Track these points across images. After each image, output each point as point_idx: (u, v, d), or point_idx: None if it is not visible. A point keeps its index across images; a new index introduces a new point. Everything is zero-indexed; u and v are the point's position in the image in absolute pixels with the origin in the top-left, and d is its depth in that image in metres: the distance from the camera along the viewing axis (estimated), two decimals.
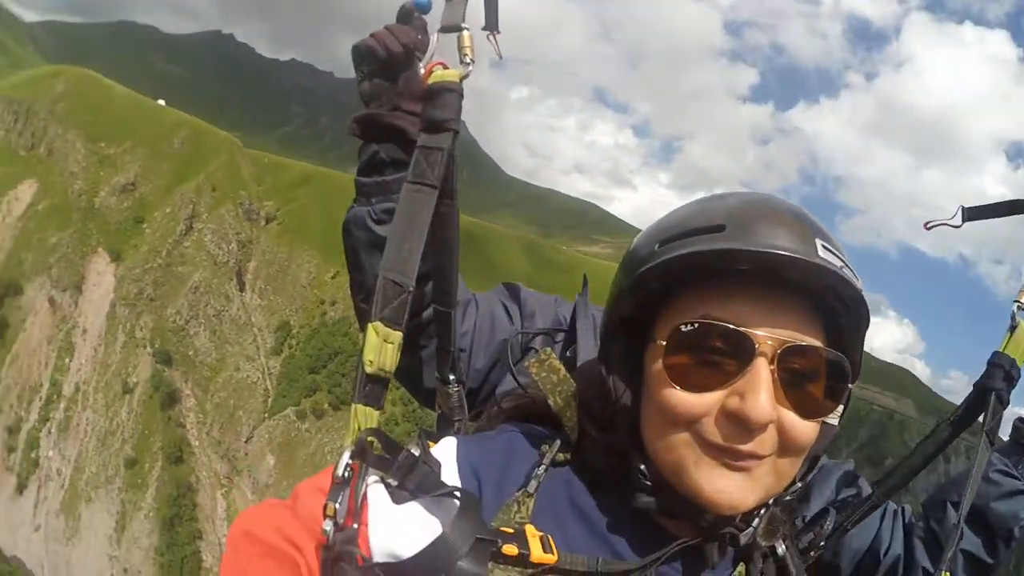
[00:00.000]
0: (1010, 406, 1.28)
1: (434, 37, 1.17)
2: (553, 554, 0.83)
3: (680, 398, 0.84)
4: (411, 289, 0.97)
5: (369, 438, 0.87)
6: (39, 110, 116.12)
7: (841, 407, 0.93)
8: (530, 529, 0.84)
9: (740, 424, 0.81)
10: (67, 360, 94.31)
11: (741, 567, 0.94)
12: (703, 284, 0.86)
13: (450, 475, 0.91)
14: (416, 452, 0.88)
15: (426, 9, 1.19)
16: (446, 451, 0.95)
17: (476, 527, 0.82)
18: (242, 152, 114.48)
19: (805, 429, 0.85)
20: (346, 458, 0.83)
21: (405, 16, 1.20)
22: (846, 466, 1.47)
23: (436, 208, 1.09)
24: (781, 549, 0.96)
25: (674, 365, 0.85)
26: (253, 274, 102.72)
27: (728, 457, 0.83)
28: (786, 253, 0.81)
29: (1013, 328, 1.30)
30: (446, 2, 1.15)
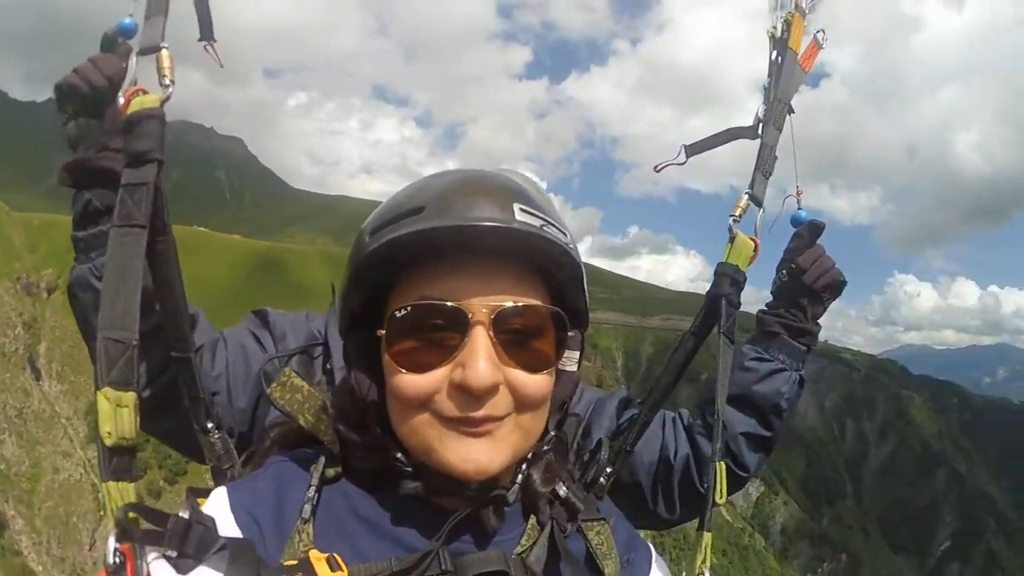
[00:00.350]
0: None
1: (133, 61, 1.10)
2: (343, 571, 0.82)
3: (409, 380, 0.86)
4: (135, 344, 0.92)
5: (130, 515, 0.82)
6: None
7: (576, 353, 0.99)
8: (314, 554, 0.83)
9: (467, 393, 0.83)
10: None
11: (532, 519, 0.96)
12: (418, 267, 0.88)
13: (227, 527, 0.87)
14: (186, 515, 0.84)
15: (131, 33, 1.12)
16: (218, 504, 0.91)
17: (254, 570, 0.80)
18: (9, 217, 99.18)
19: (536, 383, 0.88)
20: (112, 544, 0.78)
21: (109, 43, 1.14)
22: (620, 394, 1.63)
23: (151, 248, 1.04)
24: (563, 491, 0.98)
25: (398, 350, 0.87)
26: (46, 357, 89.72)
27: (466, 426, 0.85)
28: (481, 223, 0.83)
29: (732, 239, 1.49)
30: (144, 22, 1.09)
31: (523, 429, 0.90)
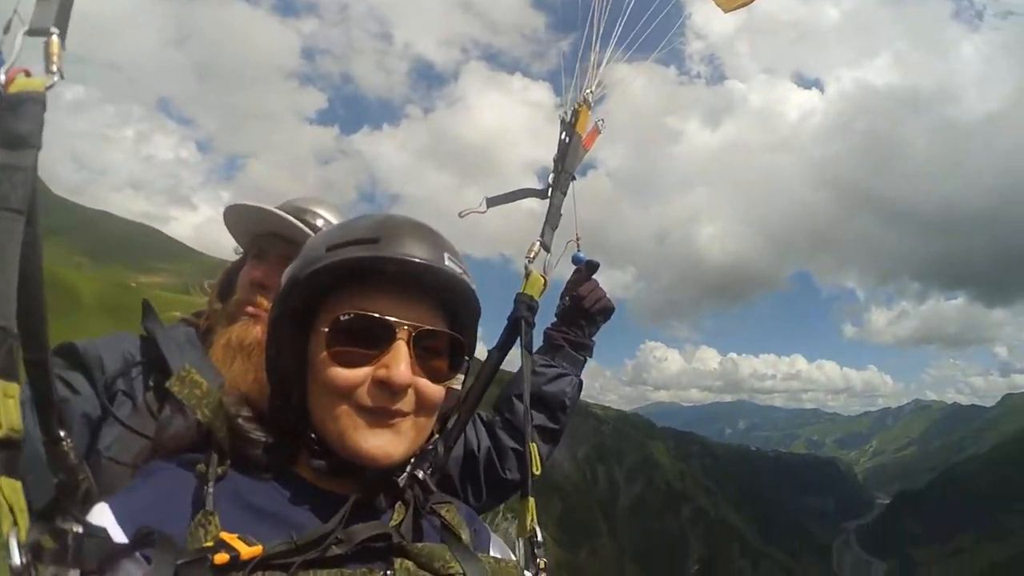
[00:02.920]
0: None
1: (18, 39, 0.99)
2: (258, 546, 0.90)
3: (339, 373, 1.03)
4: (15, 332, 0.84)
5: (43, 539, 0.81)
6: None
7: (462, 376, 1.21)
8: (227, 535, 0.90)
9: (386, 388, 1.03)
10: None
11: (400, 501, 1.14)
12: (357, 283, 1.08)
13: (118, 536, 0.89)
14: (79, 529, 0.83)
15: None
16: (102, 517, 0.92)
17: (174, 556, 0.85)
18: None
19: (436, 391, 1.11)
20: (17, 559, 0.75)
21: None
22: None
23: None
24: (421, 475, 1.16)
25: (334, 347, 1.05)
26: None
27: (379, 416, 1.04)
28: (421, 261, 1.07)
29: (527, 275, 1.91)
30: (37, 1, 1.02)
31: (419, 428, 1.11)
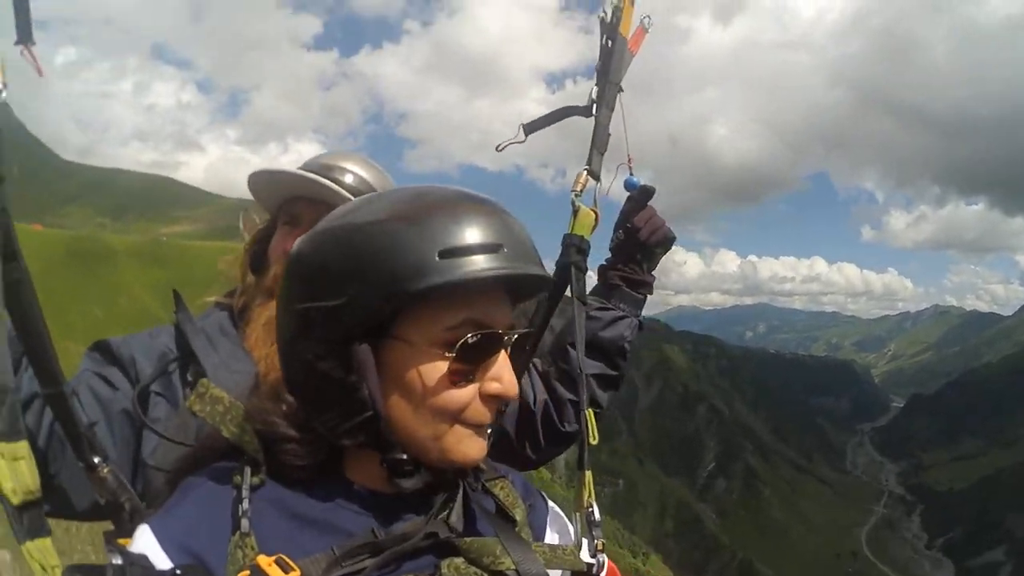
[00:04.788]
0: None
1: None
2: (295, 570, 0.83)
3: (453, 395, 0.91)
4: (12, 386, 0.83)
5: None
6: None
7: None
8: (262, 559, 0.83)
9: (500, 401, 0.94)
10: None
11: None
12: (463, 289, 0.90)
13: (161, 561, 0.85)
14: (119, 560, 0.82)
15: None
16: (145, 541, 0.87)
17: None
18: None
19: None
20: None
21: None
22: None
23: (6, 278, 0.93)
24: None
25: (446, 366, 0.90)
26: None
27: (483, 430, 0.95)
28: (536, 273, 0.93)
29: (575, 212, 1.62)
30: None
31: None
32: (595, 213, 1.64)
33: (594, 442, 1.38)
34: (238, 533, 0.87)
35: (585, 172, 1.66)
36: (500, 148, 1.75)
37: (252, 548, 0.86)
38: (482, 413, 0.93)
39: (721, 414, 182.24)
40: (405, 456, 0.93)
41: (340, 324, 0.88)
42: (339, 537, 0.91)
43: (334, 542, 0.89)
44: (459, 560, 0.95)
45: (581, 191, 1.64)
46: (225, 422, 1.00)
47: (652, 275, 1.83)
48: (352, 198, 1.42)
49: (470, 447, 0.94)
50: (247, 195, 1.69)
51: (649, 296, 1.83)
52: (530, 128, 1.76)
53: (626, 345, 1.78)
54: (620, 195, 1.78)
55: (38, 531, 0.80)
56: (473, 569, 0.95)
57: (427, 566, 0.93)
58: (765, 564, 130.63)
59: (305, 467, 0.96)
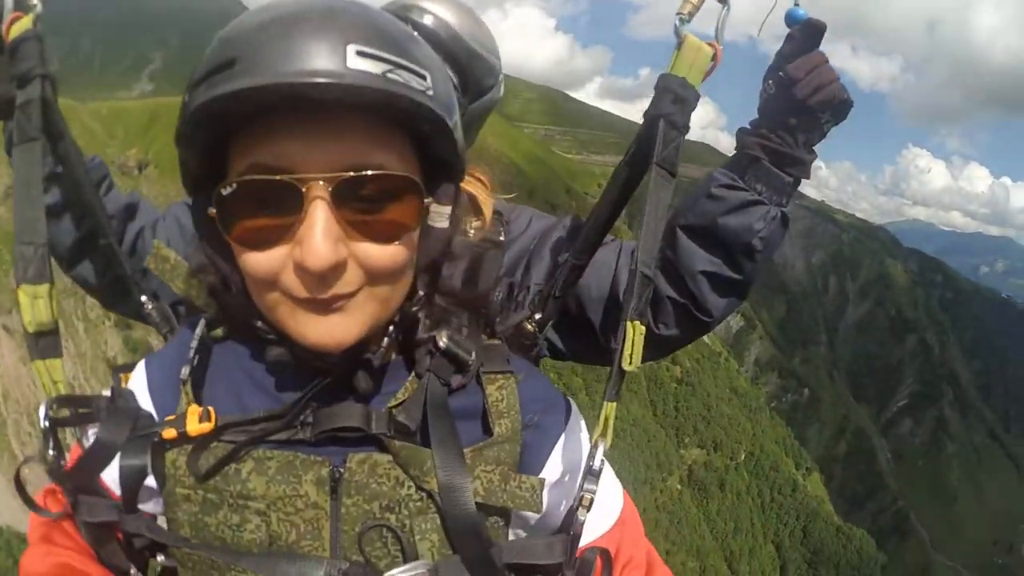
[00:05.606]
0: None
1: None
2: (211, 422, 0.86)
3: (251, 259, 0.79)
4: (44, 243, 1.02)
5: (60, 411, 0.93)
6: None
7: (447, 208, 0.88)
8: (192, 409, 0.87)
9: (305, 273, 0.77)
10: None
11: (412, 374, 0.93)
12: (250, 123, 0.76)
13: (144, 399, 0.95)
14: (108, 393, 0.94)
15: None
16: (137, 379, 0.98)
17: (130, 427, 0.89)
18: (82, 110, 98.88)
19: (389, 254, 0.80)
20: (43, 411, 0.92)
21: None
22: (567, 222, 1.44)
23: (55, 153, 1.18)
24: (443, 342, 0.93)
25: (235, 229, 0.79)
26: None
27: (315, 306, 0.79)
28: (299, 80, 0.69)
29: (679, 44, 1.13)
30: None
31: (379, 299, 0.83)
32: (713, 48, 1.14)
33: (629, 367, 0.97)
34: (180, 381, 0.91)
35: None
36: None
37: (188, 394, 0.90)
38: (294, 284, 0.78)
39: (930, 351, 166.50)
40: (261, 323, 0.87)
41: (186, 173, 0.84)
42: (276, 403, 0.90)
43: (271, 406, 0.89)
44: (380, 458, 0.87)
45: (690, 15, 1.16)
46: (175, 278, 1.03)
47: (811, 152, 1.30)
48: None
49: (306, 326, 0.80)
50: None
51: (804, 181, 1.31)
52: None
53: (756, 241, 1.28)
54: (777, 36, 1.26)
55: (49, 354, 0.99)
56: (395, 473, 0.87)
57: (336, 458, 0.87)
58: (922, 522, 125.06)
59: (252, 326, 0.89)
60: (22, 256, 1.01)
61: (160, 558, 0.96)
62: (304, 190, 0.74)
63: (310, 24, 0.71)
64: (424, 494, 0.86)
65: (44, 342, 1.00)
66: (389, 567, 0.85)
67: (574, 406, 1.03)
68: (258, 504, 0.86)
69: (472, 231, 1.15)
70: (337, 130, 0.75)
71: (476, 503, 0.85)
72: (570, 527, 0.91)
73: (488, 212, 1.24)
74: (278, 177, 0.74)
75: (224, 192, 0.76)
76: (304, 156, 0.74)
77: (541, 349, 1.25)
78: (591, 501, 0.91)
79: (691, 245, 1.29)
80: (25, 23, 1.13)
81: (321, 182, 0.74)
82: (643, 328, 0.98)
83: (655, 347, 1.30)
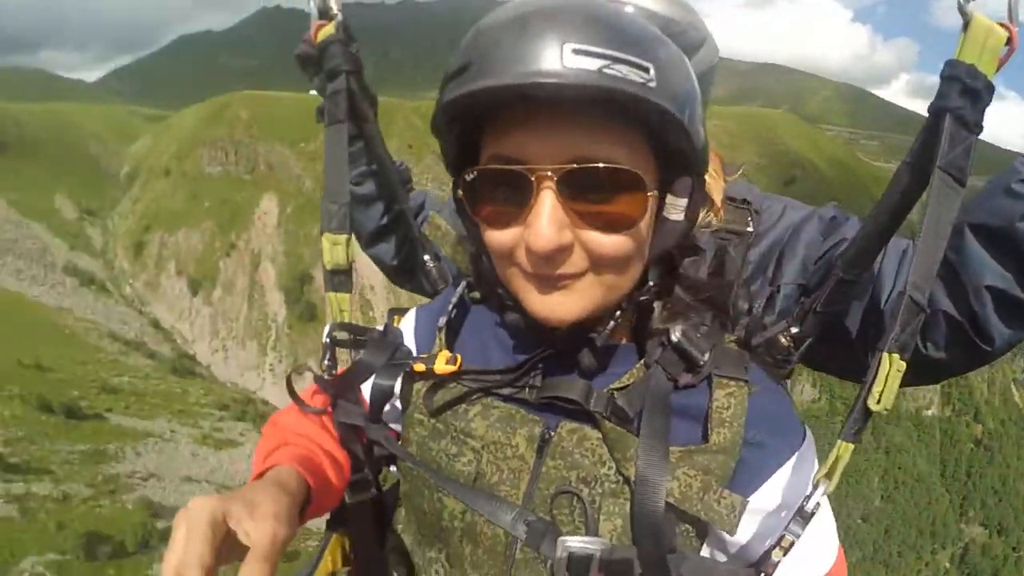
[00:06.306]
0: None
1: (312, 7, 1.37)
2: (455, 366, 0.98)
3: (492, 236, 0.88)
4: (346, 202, 1.22)
5: (340, 334, 1.13)
6: (239, 138, 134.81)
7: (683, 200, 0.87)
8: (443, 353, 1.00)
9: (531, 255, 0.83)
10: (369, 313, 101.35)
11: (640, 362, 0.95)
12: (495, 118, 0.84)
13: (408, 338, 1.11)
14: (380, 328, 1.12)
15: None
16: (407, 322, 1.16)
17: (389, 355, 1.05)
18: (404, 107, 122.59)
19: (612, 243, 0.83)
20: (327, 331, 1.13)
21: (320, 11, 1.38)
22: (825, 213, 1.31)
23: (362, 133, 1.45)
24: (676, 336, 0.92)
25: (478, 209, 0.88)
26: None
27: (541, 282, 0.86)
28: (520, 81, 0.74)
29: (966, 25, 0.92)
30: None
31: (605, 285, 0.87)
32: (1008, 29, 0.92)
33: (876, 407, 0.85)
34: (437, 328, 1.06)
35: None
36: None
37: (440, 342, 1.03)
38: (525, 261, 0.85)
39: None
40: (501, 291, 0.96)
41: (446, 154, 0.92)
42: (510, 362, 0.98)
43: (507, 364, 0.98)
44: (590, 432, 0.91)
45: None
46: (444, 243, 1.23)
47: None
48: None
49: (532, 299, 0.87)
50: None
51: None
52: None
53: None
54: None
55: (341, 288, 1.19)
56: (600, 451, 0.90)
57: (549, 423, 0.93)
58: None
59: (496, 293, 0.98)
60: (327, 211, 1.21)
61: (392, 469, 1.15)
62: (533, 179, 0.80)
63: (532, 27, 0.75)
64: (621, 478, 0.88)
65: (337, 279, 1.19)
66: (571, 534, 0.87)
67: (810, 437, 0.96)
68: (475, 443, 0.95)
69: (714, 221, 1.20)
70: (564, 124, 0.79)
71: (668, 503, 0.85)
72: (761, 566, 0.88)
73: (717, 198, 1.23)
74: (511, 167, 0.81)
75: (468, 178, 0.86)
76: (535, 148, 0.80)
77: (791, 367, 1.10)
78: (791, 544, 0.86)
79: (979, 251, 1.05)
80: (329, 29, 1.35)
81: (549, 172, 0.79)
82: (903, 365, 0.85)
83: (918, 370, 1.03)
